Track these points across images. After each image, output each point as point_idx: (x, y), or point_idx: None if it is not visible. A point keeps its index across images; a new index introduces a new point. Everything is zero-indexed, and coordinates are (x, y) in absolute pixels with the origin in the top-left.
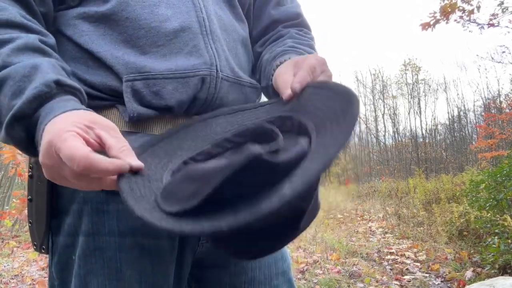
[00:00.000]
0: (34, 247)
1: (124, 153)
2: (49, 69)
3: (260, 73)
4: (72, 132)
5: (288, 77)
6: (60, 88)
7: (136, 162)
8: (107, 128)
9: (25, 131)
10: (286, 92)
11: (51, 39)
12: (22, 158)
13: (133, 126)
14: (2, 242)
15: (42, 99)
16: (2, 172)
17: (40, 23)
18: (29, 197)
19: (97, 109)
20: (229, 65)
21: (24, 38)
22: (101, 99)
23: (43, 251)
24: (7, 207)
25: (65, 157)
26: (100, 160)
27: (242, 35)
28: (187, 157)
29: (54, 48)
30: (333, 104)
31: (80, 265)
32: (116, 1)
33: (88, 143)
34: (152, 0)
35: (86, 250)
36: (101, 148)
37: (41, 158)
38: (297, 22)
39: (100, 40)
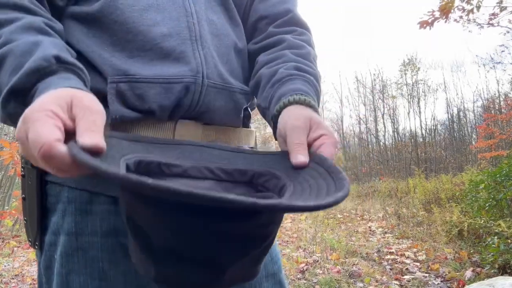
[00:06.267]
0: (30, 243)
1: (85, 133)
2: (51, 46)
3: (256, 85)
4: (48, 111)
5: (301, 138)
6: (61, 65)
7: (90, 140)
8: (87, 109)
9: (22, 109)
10: (297, 159)
11: (58, 25)
12: (19, 157)
13: (117, 129)
14: (2, 242)
15: (40, 73)
16: (2, 172)
17: (45, 6)
18: (23, 195)
19: None
20: (218, 72)
21: (30, 18)
22: None
23: (36, 247)
24: (7, 207)
25: (30, 139)
26: (61, 152)
27: (235, 41)
28: (164, 161)
29: (61, 34)
30: (323, 183)
31: (62, 263)
32: (103, 2)
33: (63, 123)
34: (142, 4)
35: (69, 249)
36: (73, 129)
37: (16, 131)
38: (287, 19)
39: (91, 41)
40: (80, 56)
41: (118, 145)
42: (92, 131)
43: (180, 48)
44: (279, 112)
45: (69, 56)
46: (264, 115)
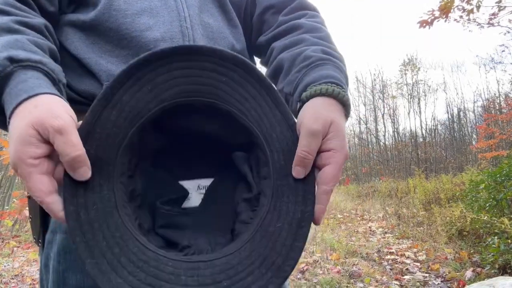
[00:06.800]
0: (34, 241)
1: (68, 168)
2: (6, 46)
3: (277, 71)
4: (28, 163)
5: (311, 147)
6: (16, 64)
7: (79, 177)
8: (56, 130)
9: (2, 114)
10: (295, 174)
11: (35, 20)
12: None
13: None
14: (2, 242)
15: None
16: (2, 172)
17: (33, 9)
18: (28, 194)
19: (81, 113)
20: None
21: None
22: (85, 104)
23: (39, 245)
24: (7, 207)
25: (29, 189)
26: (54, 207)
27: (232, 43)
28: (173, 102)
29: (36, 27)
30: (283, 240)
31: (60, 261)
32: (98, 11)
33: (44, 155)
34: (135, 9)
35: (66, 247)
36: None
37: (11, 165)
38: (295, 5)
39: (88, 48)
40: (78, 62)
41: (116, 121)
42: (72, 160)
43: None
44: (308, 99)
45: (25, 51)
46: (287, 101)
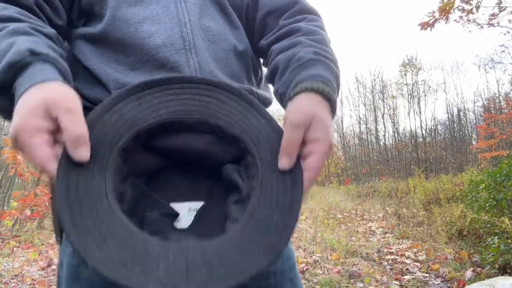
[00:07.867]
0: (55, 239)
1: (70, 145)
2: (26, 41)
3: (273, 72)
4: (31, 130)
5: (294, 136)
6: (35, 56)
7: (78, 157)
8: (66, 110)
9: (8, 100)
10: (280, 164)
11: (47, 30)
12: (22, 158)
13: None
14: (2, 242)
15: (16, 67)
16: (2, 172)
17: (43, 21)
18: (52, 195)
19: None
20: (214, 77)
21: (15, 24)
22: None
23: (59, 242)
24: (7, 207)
25: (30, 158)
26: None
27: (234, 44)
28: (167, 120)
29: (48, 35)
30: (271, 224)
31: (74, 256)
32: (104, 24)
33: (48, 129)
34: (138, 18)
35: None
36: (58, 131)
37: (12, 135)
38: (296, 10)
39: (98, 59)
40: (89, 72)
41: (115, 123)
42: (76, 138)
43: (174, 58)
44: (295, 96)
45: (44, 48)
46: (281, 101)
